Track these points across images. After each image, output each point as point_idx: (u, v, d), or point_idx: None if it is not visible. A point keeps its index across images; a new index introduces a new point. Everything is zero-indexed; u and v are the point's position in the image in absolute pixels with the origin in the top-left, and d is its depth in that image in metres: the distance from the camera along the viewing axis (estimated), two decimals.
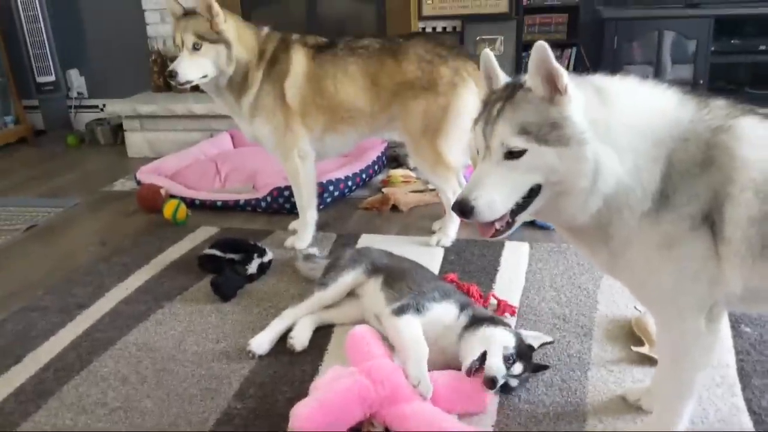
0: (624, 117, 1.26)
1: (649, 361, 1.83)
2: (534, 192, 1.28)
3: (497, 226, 1.32)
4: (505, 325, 1.85)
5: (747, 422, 1.60)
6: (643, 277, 1.35)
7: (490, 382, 1.65)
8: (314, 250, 2.61)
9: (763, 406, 1.66)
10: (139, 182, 3.47)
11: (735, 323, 2.01)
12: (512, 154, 1.24)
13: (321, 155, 2.80)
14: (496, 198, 1.26)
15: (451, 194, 2.67)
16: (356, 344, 1.78)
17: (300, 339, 2.02)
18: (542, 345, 1.86)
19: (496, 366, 1.66)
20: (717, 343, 1.44)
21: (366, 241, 2.79)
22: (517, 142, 1.24)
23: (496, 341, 1.71)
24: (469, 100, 2.55)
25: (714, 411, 1.65)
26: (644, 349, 1.87)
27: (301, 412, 1.53)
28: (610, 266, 1.40)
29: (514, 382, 1.70)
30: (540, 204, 1.29)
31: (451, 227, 2.75)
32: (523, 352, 1.75)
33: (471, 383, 1.68)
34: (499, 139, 1.25)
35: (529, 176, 1.26)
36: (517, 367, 1.72)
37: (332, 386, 1.60)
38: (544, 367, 1.83)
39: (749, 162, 1.22)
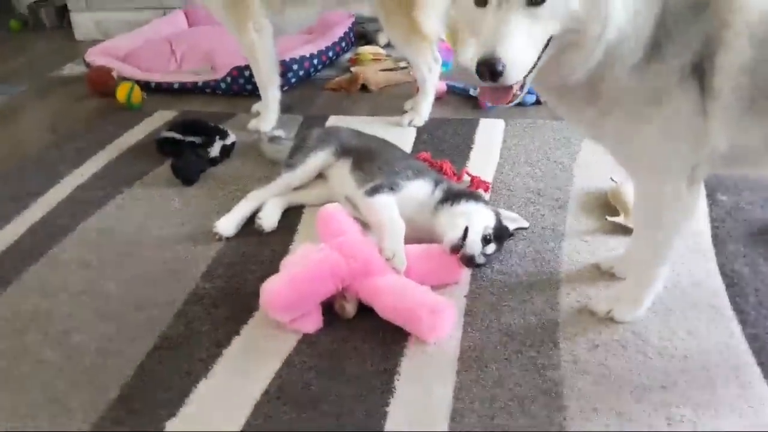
0: None
1: (623, 230, 1.82)
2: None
3: (515, 89, 1.18)
4: (485, 201, 1.80)
5: (719, 285, 1.62)
6: (627, 137, 1.28)
7: (468, 260, 1.62)
8: (279, 132, 2.49)
9: (736, 269, 1.67)
10: (88, 65, 3.23)
11: (711, 192, 2.00)
12: (535, 0, 1.09)
13: (280, 29, 2.59)
14: (523, 53, 1.10)
15: (425, 69, 2.54)
16: (327, 222, 1.71)
17: (269, 220, 1.95)
18: (517, 229, 1.84)
19: (476, 244, 1.63)
20: (696, 206, 1.42)
21: (334, 123, 2.67)
22: None
23: (479, 219, 1.67)
24: None
25: (687, 276, 1.65)
26: (620, 219, 1.85)
27: (271, 288, 1.49)
28: (595, 129, 1.33)
29: (482, 260, 1.67)
30: (543, 60, 1.17)
31: (424, 106, 2.64)
32: (500, 233, 1.72)
33: (445, 256, 1.64)
34: None
35: (548, 26, 1.11)
36: (491, 248, 1.69)
37: (303, 261, 1.55)
38: (510, 235, 1.80)
39: (747, 3, 1.12)
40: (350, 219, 1.73)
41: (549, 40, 1.14)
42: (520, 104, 2.72)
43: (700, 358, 1.40)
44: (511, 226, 1.81)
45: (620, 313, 1.51)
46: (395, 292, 1.51)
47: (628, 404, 1.30)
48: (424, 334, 1.47)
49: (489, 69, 1.09)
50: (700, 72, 1.17)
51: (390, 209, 1.74)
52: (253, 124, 2.64)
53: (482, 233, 1.65)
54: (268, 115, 2.63)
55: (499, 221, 1.72)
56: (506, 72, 1.09)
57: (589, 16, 1.11)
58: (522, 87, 1.18)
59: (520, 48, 1.09)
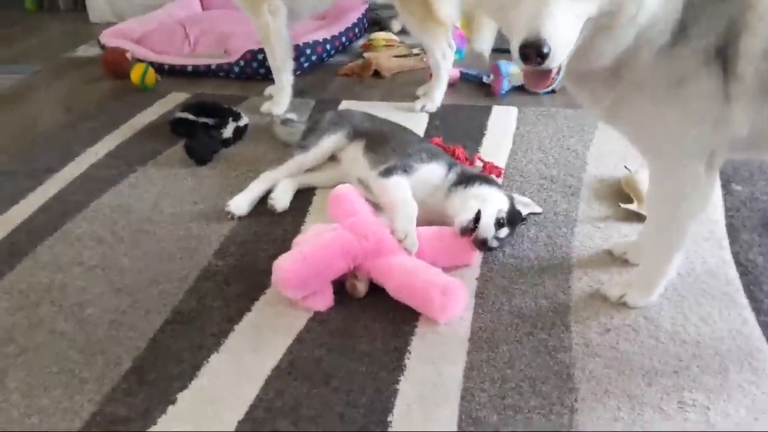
0: None
1: (636, 217, 1.81)
2: None
3: (554, 73, 1.15)
4: (499, 186, 1.80)
5: (733, 274, 1.61)
6: (647, 120, 1.27)
7: (481, 244, 1.62)
8: (292, 116, 2.50)
9: (750, 258, 1.66)
10: (103, 46, 3.24)
11: (726, 182, 1.98)
12: None
13: (295, 13, 2.59)
14: (566, 35, 1.08)
15: (440, 55, 2.53)
16: (339, 202, 1.72)
17: (281, 200, 1.95)
18: (530, 214, 1.83)
19: (489, 227, 1.62)
20: (712, 193, 1.41)
21: (346, 107, 2.66)
22: None
23: (492, 202, 1.67)
24: None
25: (701, 264, 1.64)
26: (633, 206, 1.84)
27: (283, 265, 1.49)
28: (612, 113, 1.32)
29: (495, 243, 1.67)
30: (576, 44, 1.14)
31: (437, 92, 2.63)
32: (513, 217, 1.71)
33: (457, 239, 1.64)
34: None
35: (587, 8, 1.10)
36: (504, 231, 1.68)
37: (315, 240, 1.55)
38: (522, 219, 1.80)
39: None
40: (363, 200, 1.73)
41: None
42: (532, 92, 2.71)
43: (712, 344, 1.40)
44: (524, 211, 1.81)
45: (633, 298, 1.50)
46: (407, 272, 1.51)
47: (639, 388, 1.30)
48: (435, 314, 1.47)
49: (536, 51, 1.07)
50: (724, 55, 1.16)
51: (403, 191, 1.74)
52: (266, 107, 2.64)
53: (496, 217, 1.65)
54: (281, 98, 2.63)
55: (512, 205, 1.72)
56: (551, 53, 1.07)
57: None
58: (559, 71, 1.16)
59: (564, 29, 1.07)
